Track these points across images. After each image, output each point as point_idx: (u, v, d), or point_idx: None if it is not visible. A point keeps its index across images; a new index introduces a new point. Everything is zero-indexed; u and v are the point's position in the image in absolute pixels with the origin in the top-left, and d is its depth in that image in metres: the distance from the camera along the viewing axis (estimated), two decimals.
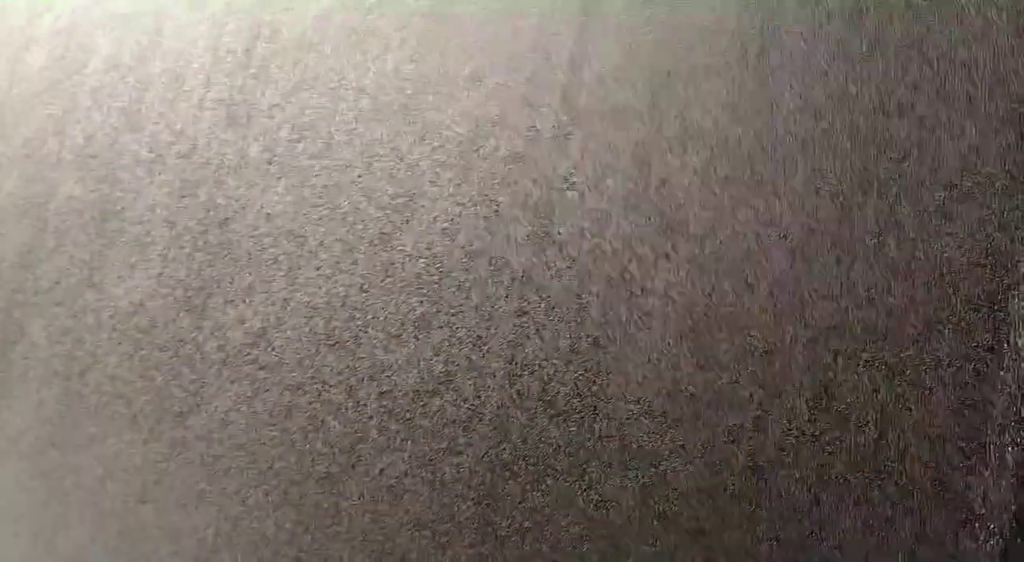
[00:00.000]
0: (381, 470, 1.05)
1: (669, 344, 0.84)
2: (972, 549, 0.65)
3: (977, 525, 0.65)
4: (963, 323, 0.68)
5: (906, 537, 0.68)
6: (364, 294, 1.12)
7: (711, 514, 0.79)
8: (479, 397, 0.96)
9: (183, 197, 1.41)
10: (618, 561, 0.85)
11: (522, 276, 0.97)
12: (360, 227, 1.16)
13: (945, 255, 0.70)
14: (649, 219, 0.88)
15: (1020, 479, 0.64)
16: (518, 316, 0.96)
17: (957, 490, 0.66)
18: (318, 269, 1.19)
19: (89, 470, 1.46)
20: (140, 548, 1.36)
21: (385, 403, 1.06)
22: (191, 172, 1.40)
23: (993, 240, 0.67)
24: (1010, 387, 0.65)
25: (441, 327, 1.03)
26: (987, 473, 0.65)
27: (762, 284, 0.80)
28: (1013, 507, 0.63)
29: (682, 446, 0.81)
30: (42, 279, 1.57)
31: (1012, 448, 0.64)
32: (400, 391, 1.04)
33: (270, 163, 1.30)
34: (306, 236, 1.22)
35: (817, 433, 0.74)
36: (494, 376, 0.96)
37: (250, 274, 1.28)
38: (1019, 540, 0.62)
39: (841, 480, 0.72)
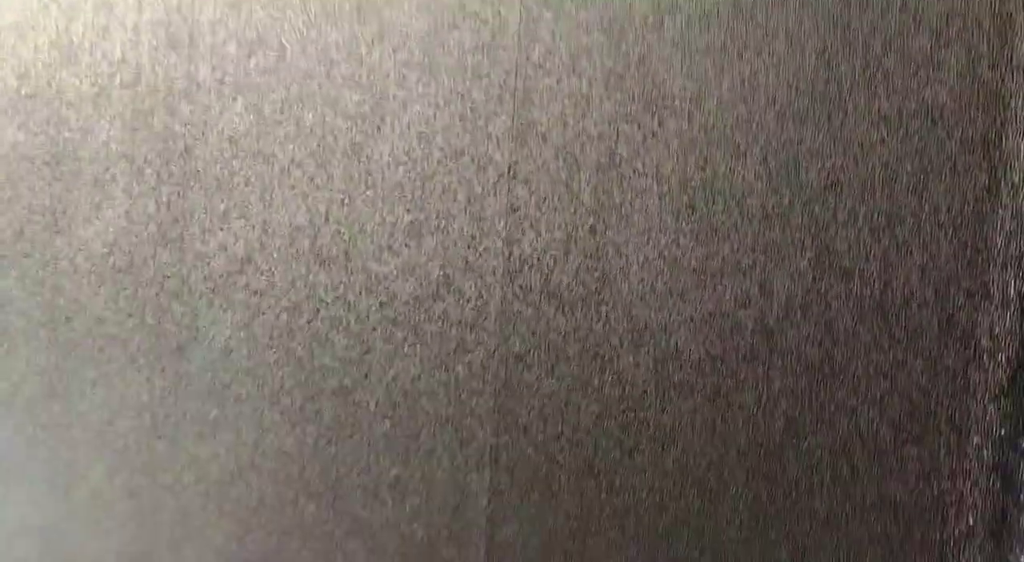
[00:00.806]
0: (394, 377, 1.06)
1: (667, 221, 0.85)
2: (982, 381, 0.69)
3: (985, 358, 0.68)
4: (959, 166, 0.69)
5: (917, 377, 0.71)
6: (346, 208, 1.11)
7: (725, 378, 0.82)
8: (481, 296, 0.97)
9: (136, 129, 1.36)
10: (638, 433, 0.88)
11: (508, 171, 0.96)
12: (330, 140, 1.12)
13: (936, 101, 0.70)
14: (632, 97, 0.87)
15: (1022, 310, 0.67)
16: (510, 213, 0.96)
17: (964, 328, 0.69)
18: (293, 188, 1.17)
19: (95, 414, 1.47)
20: (161, 480, 1.39)
21: (387, 313, 1.06)
22: (140, 102, 1.34)
23: (984, 81, 0.67)
24: (1008, 225, 0.67)
25: (432, 232, 1.02)
26: (991, 308, 0.68)
27: (754, 150, 0.80)
28: (1019, 337, 0.66)
29: (690, 318, 0.83)
30: (4, 232, 1.52)
31: (1014, 281, 0.67)
32: (400, 300, 1.05)
33: (222, 83, 1.25)
34: (274, 155, 1.19)
35: (822, 290, 0.76)
36: (494, 274, 0.96)
37: (222, 201, 1.25)
38: None
39: (850, 332, 0.75)
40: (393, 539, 1.08)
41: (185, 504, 1.35)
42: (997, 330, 0.68)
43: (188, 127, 1.29)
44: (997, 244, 0.68)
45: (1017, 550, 0.67)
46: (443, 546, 1.03)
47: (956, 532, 0.70)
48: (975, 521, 0.69)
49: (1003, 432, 0.67)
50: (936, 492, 0.71)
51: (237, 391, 1.25)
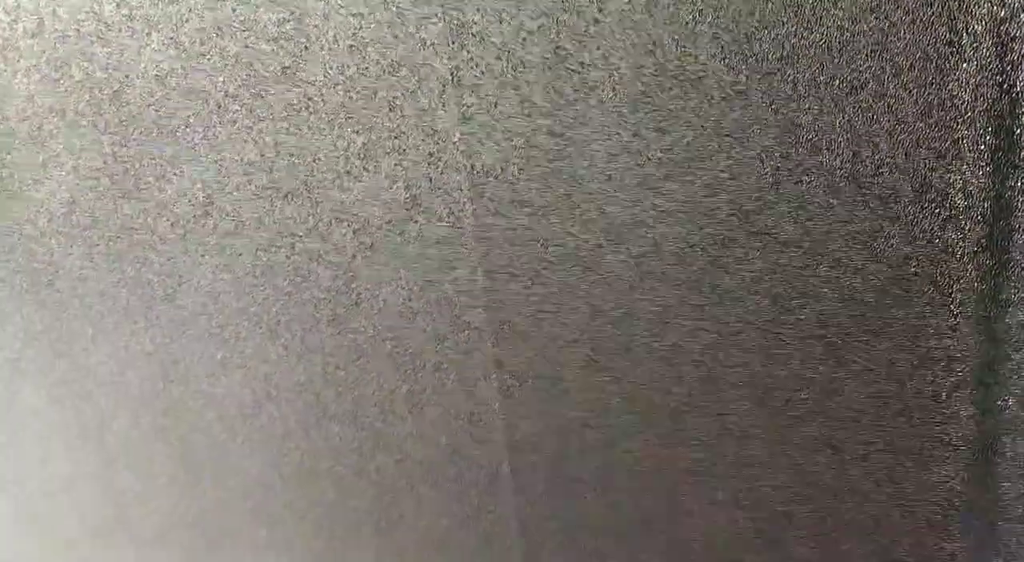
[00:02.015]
0: (385, 301, 1.07)
1: (624, 114, 0.81)
2: (960, 240, 0.68)
3: (961, 217, 0.68)
4: (917, 21, 0.65)
5: (896, 243, 0.71)
6: (294, 136, 1.06)
7: (707, 265, 0.82)
8: (453, 214, 0.95)
9: (58, 79, 1.28)
10: (631, 327, 0.89)
11: (452, 78, 0.91)
12: (259, 67, 1.06)
13: None
14: None
15: (995, 164, 0.65)
16: (462, 123, 0.92)
17: (938, 189, 0.68)
18: (234, 123, 1.11)
19: (104, 367, 1.49)
20: (185, 420, 1.43)
21: (363, 240, 1.05)
22: (53, 50, 1.25)
23: None
24: (973, 78, 0.64)
25: (388, 153, 0.98)
26: (964, 167, 0.67)
27: (703, 27, 0.75)
28: (993, 193, 0.65)
29: (664, 210, 0.82)
30: None
31: (984, 136, 0.65)
32: (373, 225, 1.03)
33: (131, 19, 1.16)
34: (206, 91, 1.12)
35: (792, 167, 0.74)
36: (460, 190, 0.94)
37: (167, 145, 1.20)
38: (1001, 222, 0.65)
39: (825, 206, 0.74)
40: (418, 448, 1.13)
41: (214, 439, 1.40)
42: (971, 188, 0.67)
43: (111, 71, 1.21)
44: (964, 99, 0.65)
45: (1004, 396, 0.69)
46: (466, 449, 1.08)
47: (947, 385, 0.73)
48: (965, 373, 0.72)
49: (984, 287, 0.68)
50: (926, 349, 0.73)
51: (235, 331, 1.26)
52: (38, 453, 1.66)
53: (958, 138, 0.66)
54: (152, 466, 1.54)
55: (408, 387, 1.10)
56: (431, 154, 0.95)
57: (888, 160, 0.69)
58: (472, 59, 0.89)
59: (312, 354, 1.19)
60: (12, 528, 1.88)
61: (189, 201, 1.21)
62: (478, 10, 0.87)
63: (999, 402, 0.70)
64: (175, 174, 1.21)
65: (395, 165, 0.98)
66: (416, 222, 0.99)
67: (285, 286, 1.16)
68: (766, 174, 0.76)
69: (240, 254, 1.19)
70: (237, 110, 1.10)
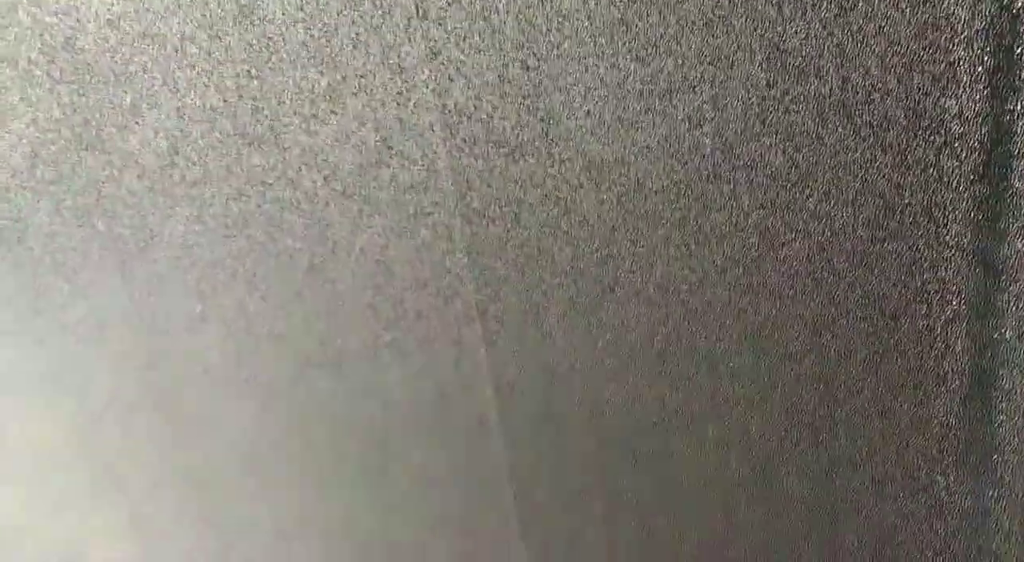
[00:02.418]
0: (361, 249, 1.03)
1: (602, 44, 0.77)
2: (955, 168, 0.65)
3: (957, 144, 0.64)
4: None
5: (888, 173, 0.68)
6: (256, 81, 1.01)
7: (692, 202, 0.79)
8: (426, 156, 0.91)
9: (7, 27, 1.21)
10: (615, 268, 0.86)
11: (417, 11, 0.86)
12: (215, 5, 1.00)
13: None
14: None
15: (993, 87, 0.61)
16: (431, 59, 0.87)
17: (932, 115, 0.64)
18: (193, 68, 1.06)
19: (83, 324, 1.46)
20: (171, 373, 1.41)
21: (335, 186, 1.01)
22: None
23: None
24: None
25: (355, 93, 0.94)
26: (960, 91, 0.63)
27: None
28: (991, 118, 0.62)
29: (646, 146, 0.78)
30: None
31: (983, 57, 0.61)
32: (344, 170, 0.99)
33: None
34: (162, 34, 1.06)
35: (778, 95, 0.70)
36: (432, 130, 0.89)
37: (126, 93, 1.14)
38: (999, 148, 0.62)
39: (813, 135, 0.70)
40: (405, 396, 1.11)
41: (199, 393, 1.38)
42: (967, 113, 0.63)
43: (60, 16, 1.15)
44: (960, 18, 0.61)
45: (1002, 328, 0.67)
46: (453, 395, 1.06)
47: (942, 318, 0.70)
48: (960, 305, 0.69)
49: (981, 217, 0.65)
50: (919, 283, 0.70)
51: (212, 284, 1.23)
52: (20, 412, 1.65)
53: (954, 60, 0.62)
54: (137, 421, 1.53)
55: (391, 336, 1.07)
56: (400, 93, 0.90)
57: (879, 86, 0.65)
58: None
59: (291, 305, 1.16)
60: None
61: (153, 151, 1.16)
62: None
63: (995, 335, 0.68)
64: (137, 123, 1.15)
65: (363, 106, 0.93)
66: (388, 166, 0.95)
67: (258, 236, 1.12)
68: (752, 104, 0.72)
69: (210, 205, 1.15)
70: (195, 54, 1.04)
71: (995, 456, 0.73)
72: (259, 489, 1.43)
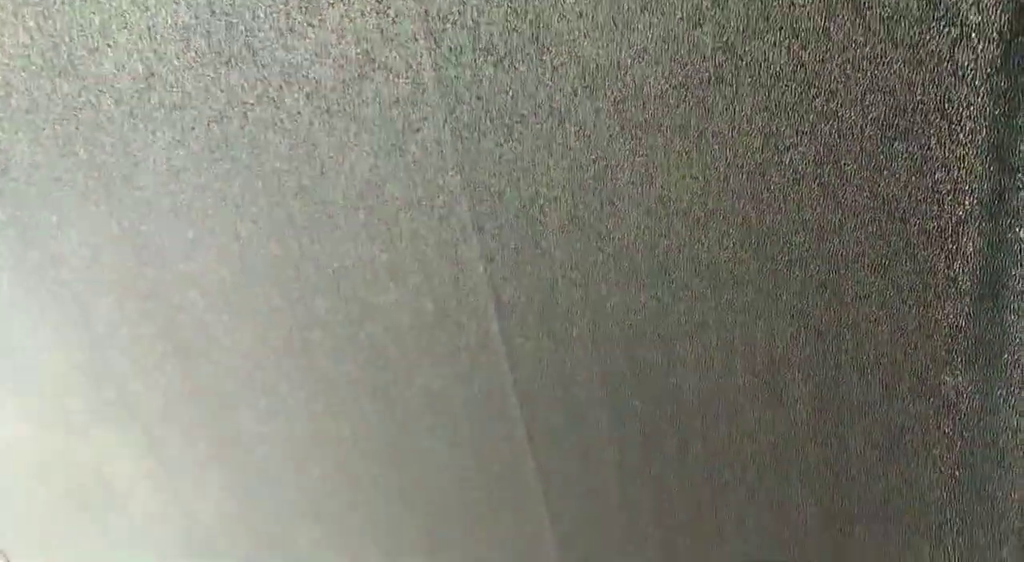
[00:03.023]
0: (350, 168, 1.00)
1: None
2: (971, 61, 0.61)
3: (973, 35, 0.60)
4: None
5: (899, 69, 0.64)
6: (230, 2, 0.95)
7: (693, 106, 0.75)
8: (411, 68, 0.87)
9: None
10: (614, 179, 0.83)
11: None
12: None
13: None
14: None
15: None
16: None
17: (948, 5, 0.60)
18: None
19: (76, 255, 1.44)
20: (168, 301, 1.40)
21: (318, 104, 0.97)
22: None
23: None
24: None
25: (331, 4, 0.88)
26: None
27: None
28: (1011, 4, 0.58)
29: (643, 48, 0.74)
30: None
31: None
32: (326, 86, 0.94)
33: None
34: None
35: None
36: (415, 39, 0.85)
37: (94, 13, 1.09)
38: (1019, 38, 0.58)
39: (820, 30, 0.66)
40: (405, 316, 1.10)
41: (199, 318, 1.37)
42: (986, 1, 0.59)
43: None
44: None
45: (1015, 227, 0.65)
46: (453, 314, 1.05)
47: (954, 219, 0.68)
48: (972, 205, 0.67)
49: (997, 112, 0.62)
50: (930, 183, 0.68)
51: (201, 210, 1.20)
52: (27, 343, 1.65)
53: None
54: (142, 347, 1.53)
55: (388, 256, 1.05)
56: (379, 1, 0.85)
57: None
58: None
59: (284, 228, 1.13)
60: (12, 415, 1.90)
61: (129, 74, 1.11)
62: None
63: (1009, 234, 0.66)
64: (108, 45, 1.10)
65: (341, 17, 0.88)
66: (372, 81, 0.90)
67: (244, 159, 1.09)
68: (754, 0, 0.67)
69: (192, 128, 1.10)
70: None
71: (1005, 356, 0.72)
72: (268, 410, 1.44)
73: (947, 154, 0.65)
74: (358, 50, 0.89)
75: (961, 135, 0.64)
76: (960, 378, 0.76)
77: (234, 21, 0.97)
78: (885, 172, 0.69)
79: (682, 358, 0.91)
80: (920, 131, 0.66)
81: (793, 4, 0.66)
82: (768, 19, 0.67)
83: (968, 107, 0.63)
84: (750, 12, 0.68)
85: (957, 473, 0.82)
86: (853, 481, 0.89)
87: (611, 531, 1.15)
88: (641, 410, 0.98)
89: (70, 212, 1.36)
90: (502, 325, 1.02)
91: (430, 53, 0.85)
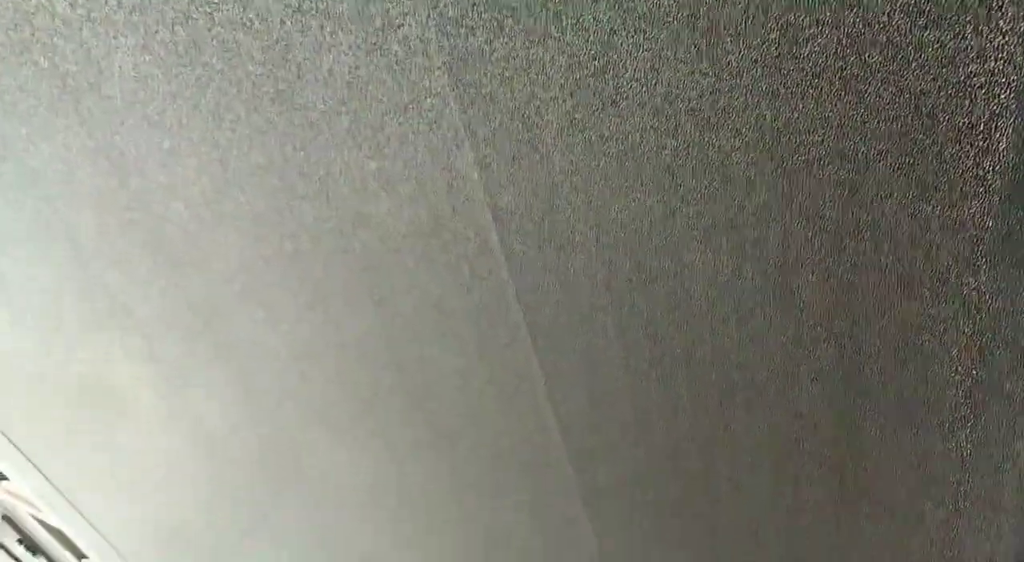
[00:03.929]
0: (330, 70, 0.93)
1: None
2: None
3: None
4: None
5: None
6: None
7: None
8: None
9: None
10: (616, 77, 0.77)
11: None
12: None
13: None
14: None
15: None
16: None
17: None
18: None
19: (50, 169, 1.37)
20: (149, 212, 1.35)
21: (288, 1, 0.89)
22: None
23: None
24: None
25: None
26: None
27: None
28: None
29: None
30: None
31: None
32: None
33: None
34: None
35: None
36: None
37: None
38: None
39: None
40: (399, 224, 1.05)
41: (185, 229, 1.32)
42: None
43: None
44: None
45: None
46: (449, 222, 1.00)
47: (987, 114, 0.63)
48: (1008, 98, 0.61)
49: None
50: (963, 75, 0.62)
51: (175, 118, 1.13)
52: (17, 258, 1.61)
53: None
54: (132, 259, 1.49)
55: (376, 164, 1.00)
56: None
57: None
58: None
59: (264, 136, 1.07)
60: (8, 327, 1.88)
61: None
62: None
63: None
64: None
65: None
66: None
67: (215, 63, 1.01)
68: None
69: (155, 31, 1.02)
70: None
71: None
72: (267, 318, 1.42)
73: (984, 43, 0.59)
74: None
75: (1001, 22, 0.58)
76: (983, 278, 0.72)
77: None
78: (913, 64, 0.63)
79: (690, 264, 0.87)
80: (955, 18, 0.59)
81: None
82: None
83: None
84: None
85: (975, 372, 0.80)
86: (866, 381, 0.87)
87: (618, 431, 1.15)
88: (647, 315, 0.96)
89: (39, 124, 1.29)
90: (501, 233, 0.97)
91: None
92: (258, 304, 1.41)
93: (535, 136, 0.85)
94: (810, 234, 0.79)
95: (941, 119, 0.65)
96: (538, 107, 0.82)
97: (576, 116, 0.81)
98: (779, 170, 0.75)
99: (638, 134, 0.79)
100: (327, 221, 1.13)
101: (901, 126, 0.67)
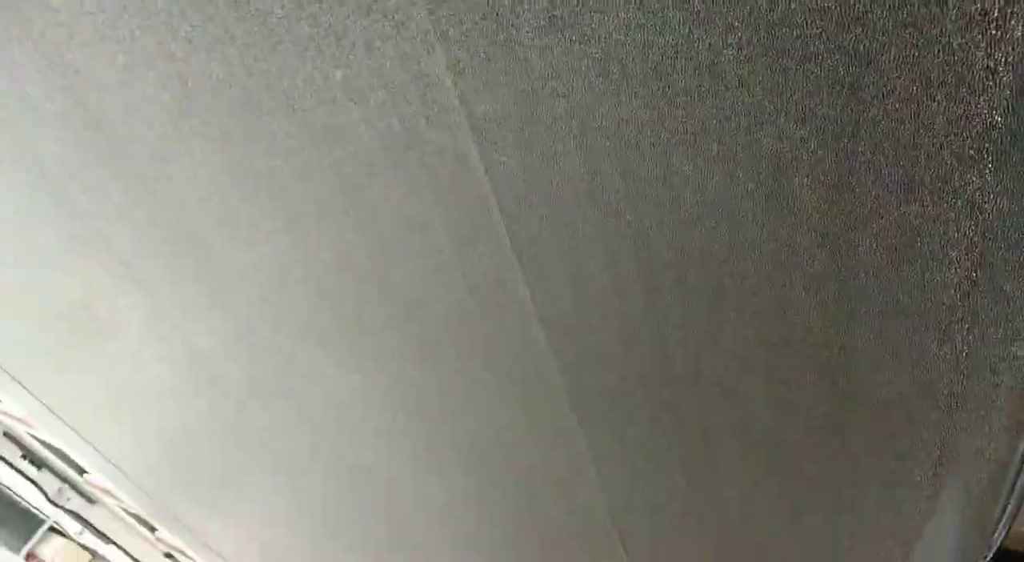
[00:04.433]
0: None
1: None
2: None
3: None
4: None
5: None
6: None
7: None
8: None
9: None
10: None
11: None
12: None
13: None
14: None
15: None
16: None
17: None
18: None
19: (11, 86, 1.30)
20: (112, 132, 1.28)
21: None
22: None
23: None
24: None
25: None
26: None
27: None
28: None
29: None
30: None
31: None
32: None
33: None
34: None
35: None
36: None
37: None
38: None
39: None
40: (371, 137, 1.00)
41: (148, 147, 1.26)
42: None
43: None
44: None
45: None
46: (424, 133, 0.95)
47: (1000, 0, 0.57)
48: None
49: None
50: None
51: (126, 30, 1.05)
52: None
53: None
54: (101, 183, 1.43)
55: (342, 73, 0.93)
56: None
57: None
58: None
59: (223, 45, 1.00)
60: None
61: None
62: None
63: None
64: None
65: None
66: None
67: None
68: None
69: None
70: None
71: None
72: (244, 237, 1.38)
73: None
74: None
75: None
76: (988, 178, 0.69)
77: None
78: None
79: (679, 169, 0.83)
80: None
81: None
82: None
83: None
84: None
85: (975, 274, 0.77)
86: (861, 285, 0.85)
87: (605, 339, 1.13)
88: (635, 224, 0.92)
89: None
90: (479, 143, 0.92)
91: None
92: (234, 224, 1.36)
93: (511, 37, 0.79)
94: (805, 135, 0.74)
95: (951, 5, 0.60)
96: (513, 5, 0.76)
97: (555, 13, 0.75)
98: (774, 67, 0.70)
99: (623, 33, 0.73)
100: (296, 136, 1.07)
101: (906, 15, 0.61)
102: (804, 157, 0.76)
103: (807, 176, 0.78)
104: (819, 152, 0.75)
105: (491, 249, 1.08)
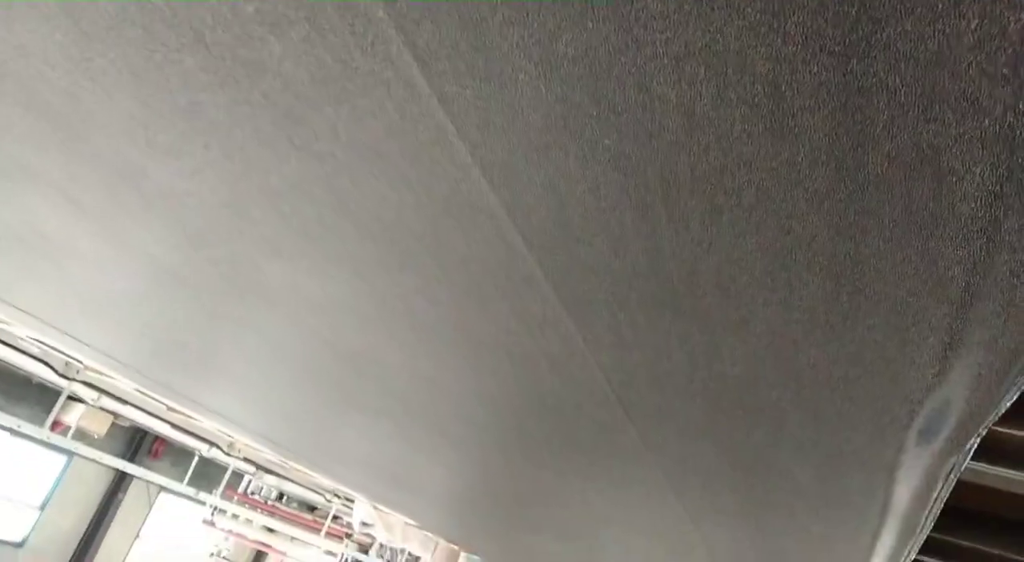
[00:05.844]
0: None
1: None
2: None
3: None
4: None
5: None
6: None
7: None
8: None
9: None
10: None
11: None
12: None
13: None
14: None
15: None
16: None
17: None
18: None
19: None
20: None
21: None
22: None
23: None
24: None
25: None
26: None
27: None
28: None
29: None
30: None
31: None
32: None
33: None
34: None
35: None
36: None
37: None
38: None
39: None
40: (300, 71, 0.86)
41: (71, 94, 1.11)
42: None
43: None
44: None
45: None
46: (361, 64, 0.82)
47: None
48: None
49: None
50: None
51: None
52: None
53: None
54: (22, 125, 1.28)
55: (255, 6, 0.79)
56: None
57: None
58: None
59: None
60: None
61: None
62: None
63: None
64: None
65: None
66: None
67: None
68: None
69: None
70: None
71: None
72: (184, 168, 1.25)
73: None
74: None
75: None
76: (1019, 96, 0.59)
77: None
78: None
79: (661, 95, 0.72)
80: None
81: None
82: None
83: None
84: None
85: (999, 189, 0.69)
86: (870, 199, 0.76)
87: (592, 251, 1.06)
88: (614, 148, 0.82)
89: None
90: (427, 73, 0.80)
91: None
92: (170, 156, 1.23)
93: None
94: (807, 57, 0.63)
95: None
96: None
97: None
98: None
99: None
100: (215, 72, 0.93)
101: None
102: (806, 79, 0.65)
103: (810, 98, 0.67)
104: (823, 74, 0.64)
105: (457, 175, 0.98)
